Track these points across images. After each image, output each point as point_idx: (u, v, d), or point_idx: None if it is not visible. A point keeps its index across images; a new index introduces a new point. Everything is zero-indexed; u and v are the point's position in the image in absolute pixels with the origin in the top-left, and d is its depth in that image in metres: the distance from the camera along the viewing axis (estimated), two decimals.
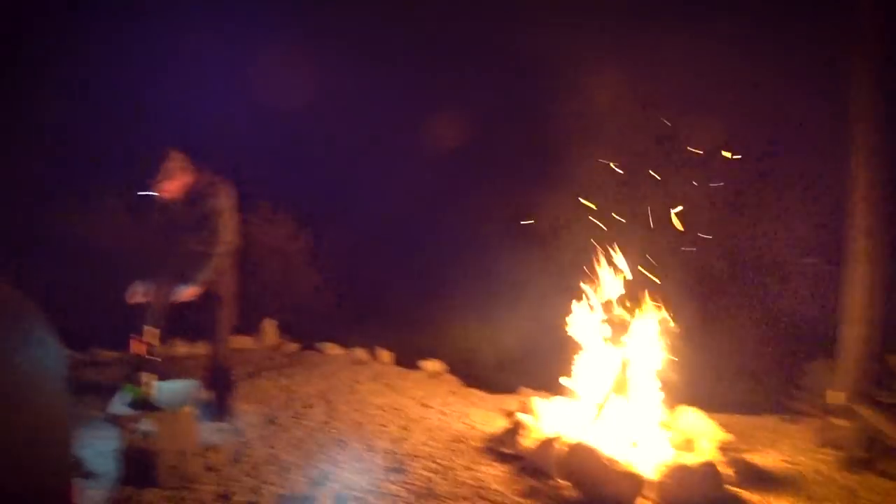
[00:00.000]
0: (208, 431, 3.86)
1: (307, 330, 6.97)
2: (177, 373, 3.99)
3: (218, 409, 4.11)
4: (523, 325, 7.00)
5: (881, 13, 3.96)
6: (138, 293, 3.71)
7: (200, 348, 5.87)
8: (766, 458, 3.94)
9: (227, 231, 3.91)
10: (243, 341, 6.25)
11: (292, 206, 8.58)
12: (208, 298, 3.94)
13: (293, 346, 6.33)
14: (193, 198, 3.84)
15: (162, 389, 3.22)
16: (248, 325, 6.56)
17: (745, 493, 3.42)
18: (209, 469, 3.36)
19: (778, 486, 3.55)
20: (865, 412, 4.01)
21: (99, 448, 3.39)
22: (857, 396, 4.18)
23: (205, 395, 3.96)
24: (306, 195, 8.93)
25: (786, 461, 3.91)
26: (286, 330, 6.86)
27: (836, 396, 4.43)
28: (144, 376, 3.08)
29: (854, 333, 4.20)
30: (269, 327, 6.53)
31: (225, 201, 3.89)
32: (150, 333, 3.26)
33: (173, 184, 3.80)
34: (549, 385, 5.72)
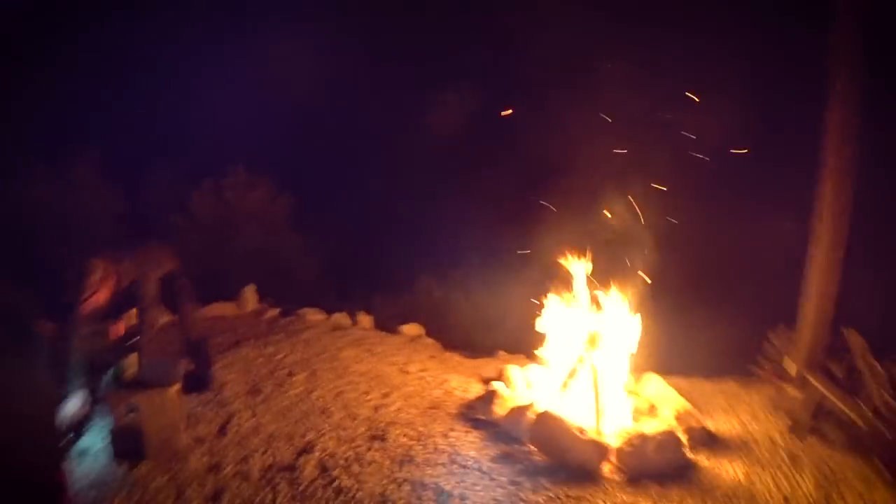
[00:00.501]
0: (195, 403, 4.00)
1: (288, 295, 7.06)
2: (160, 347, 4.06)
3: (200, 380, 4.23)
4: (502, 289, 7.20)
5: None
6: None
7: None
8: (722, 424, 4.23)
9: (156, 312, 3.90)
10: (225, 308, 6.32)
11: (270, 169, 8.51)
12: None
13: (274, 313, 6.42)
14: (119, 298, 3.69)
15: (145, 367, 3.31)
16: (229, 292, 6.63)
17: (699, 458, 3.71)
18: (198, 441, 3.51)
19: (730, 450, 3.84)
20: (816, 381, 4.29)
21: (90, 427, 3.50)
22: (811, 366, 4.46)
23: (186, 367, 4.06)
24: (285, 159, 8.87)
25: (739, 426, 4.20)
26: (267, 294, 6.93)
27: (791, 365, 4.73)
28: (127, 357, 3.16)
29: (811, 308, 4.43)
30: (250, 293, 6.59)
31: (153, 288, 3.83)
32: (129, 316, 3.31)
33: (99, 296, 3.57)
34: (527, 347, 5.98)
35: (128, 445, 3.07)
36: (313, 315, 6.44)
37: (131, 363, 3.15)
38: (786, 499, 3.31)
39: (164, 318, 4.86)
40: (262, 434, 3.72)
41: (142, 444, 3.11)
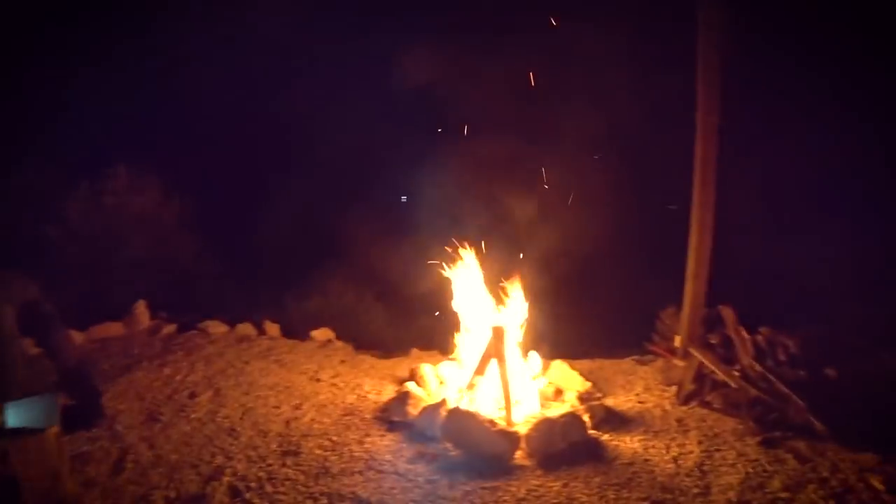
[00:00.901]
0: (81, 442, 3.66)
1: (186, 308, 6.62)
2: (31, 383, 3.64)
3: (85, 414, 3.87)
4: (415, 282, 7.24)
5: None
6: None
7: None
8: (621, 400, 4.60)
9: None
10: (112, 328, 5.80)
11: (158, 168, 7.87)
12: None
13: (170, 329, 5.99)
14: None
15: (16, 411, 2.96)
16: (117, 309, 6.09)
17: (601, 435, 4.00)
18: (88, 485, 3.22)
19: (628, 424, 4.19)
20: (697, 352, 4.78)
21: None
22: (692, 339, 4.96)
23: (66, 402, 3.70)
24: (175, 157, 8.25)
25: (636, 401, 4.59)
26: (162, 309, 6.46)
27: (679, 340, 5.22)
28: None
29: (692, 288, 4.92)
30: (141, 309, 6.10)
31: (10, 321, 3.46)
32: None
33: None
34: (440, 343, 6.09)
35: (4, 501, 2.75)
36: (215, 328, 6.10)
37: None
38: (675, 459, 3.67)
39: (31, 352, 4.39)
40: (163, 466, 3.48)
41: (18, 500, 2.79)
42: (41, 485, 2.81)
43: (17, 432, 2.84)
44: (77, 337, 5.51)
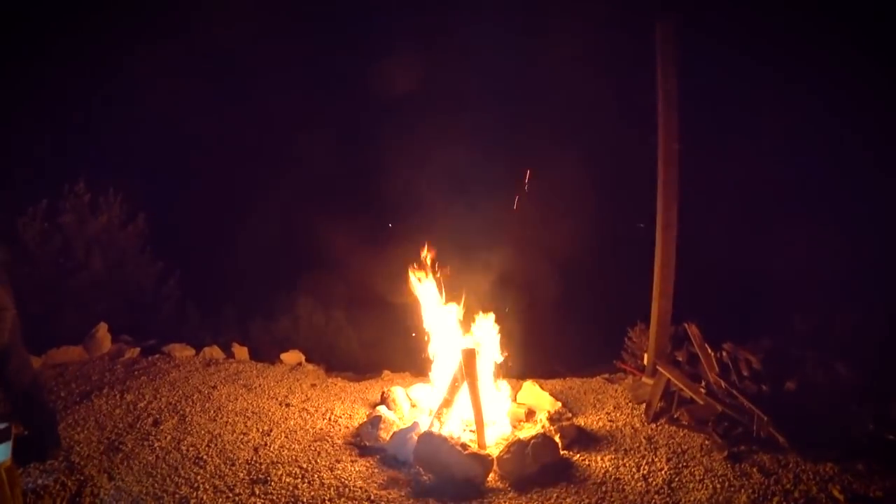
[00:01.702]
0: (35, 475, 3.49)
1: (150, 331, 6.42)
2: None
3: (41, 445, 3.69)
4: (382, 306, 7.19)
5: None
6: None
7: None
8: (591, 420, 4.64)
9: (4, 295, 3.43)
10: (71, 353, 5.58)
11: (119, 188, 7.67)
12: None
13: (133, 353, 5.80)
14: None
15: None
16: (75, 333, 5.87)
17: (573, 455, 4.03)
18: None
19: (598, 443, 4.23)
20: (664, 369, 4.87)
21: None
22: (659, 357, 5.05)
23: (20, 431, 3.52)
24: (137, 175, 8.07)
25: (606, 419, 4.63)
26: (124, 333, 6.25)
27: (647, 358, 5.31)
28: None
29: (658, 306, 5.02)
30: (102, 333, 5.89)
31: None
32: None
33: None
34: (412, 364, 6.05)
35: None
36: (181, 351, 5.93)
37: None
38: (644, 477, 3.72)
39: None
40: (124, 500, 3.35)
41: None
42: None
43: None
44: (34, 361, 5.28)
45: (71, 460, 3.73)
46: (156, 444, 4.01)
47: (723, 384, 4.54)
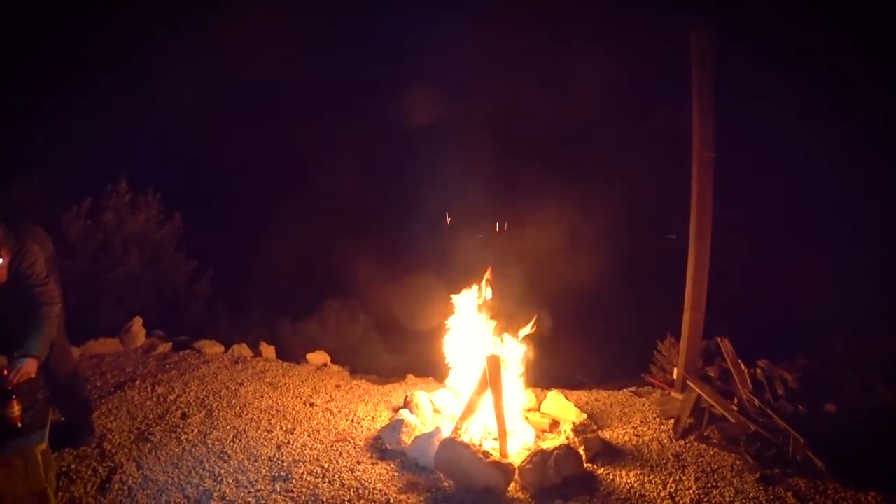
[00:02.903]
0: (69, 460, 3.60)
1: (181, 327, 6.59)
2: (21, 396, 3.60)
3: (75, 431, 3.80)
4: (409, 308, 7.23)
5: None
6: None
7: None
8: (617, 433, 4.53)
9: (56, 288, 3.45)
10: (107, 345, 5.77)
11: (158, 189, 7.94)
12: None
13: (165, 347, 5.95)
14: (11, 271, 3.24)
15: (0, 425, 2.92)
16: (111, 326, 6.06)
17: (596, 469, 3.93)
18: None
19: (624, 457, 4.12)
20: (695, 385, 4.74)
21: None
22: (689, 371, 4.92)
23: (56, 418, 3.64)
24: (173, 177, 8.33)
25: (633, 434, 4.52)
26: (157, 328, 6.43)
27: (677, 372, 5.17)
28: None
29: (689, 319, 4.89)
30: (138, 327, 6.07)
31: (43, 260, 3.39)
32: None
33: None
34: (436, 370, 6.03)
35: None
36: (210, 348, 6.06)
37: None
38: (671, 496, 3.60)
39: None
40: (150, 488, 3.42)
41: None
42: (25, 502, 2.76)
43: (3, 448, 2.80)
44: (73, 352, 5.47)
45: (103, 447, 3.83)
46: (183, 437, 4.09)
47: (756, 402, 4.38)
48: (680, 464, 4.01)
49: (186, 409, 4.54)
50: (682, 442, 4.34)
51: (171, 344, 6.04)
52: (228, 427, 4.31)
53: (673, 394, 4.99)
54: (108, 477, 3.49)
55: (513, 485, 3.67)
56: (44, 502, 2.87)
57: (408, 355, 7.12)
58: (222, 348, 6.11)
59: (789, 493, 3.55)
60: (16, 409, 2.95)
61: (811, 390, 4.44)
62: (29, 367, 3.10)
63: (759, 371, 4.70)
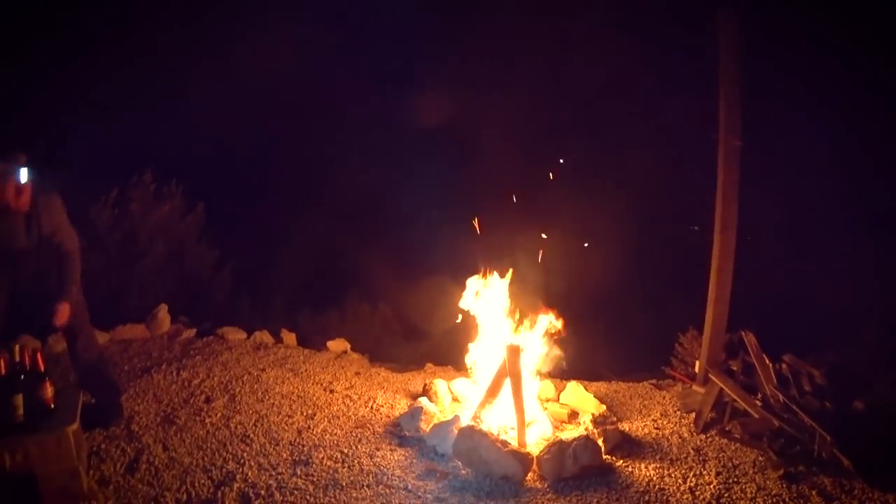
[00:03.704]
0: (99, 440, 3.71)
1: (205, 314, 6.71)
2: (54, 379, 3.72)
3: (104, 412, 3.92)
4: (431, 298, 7.24)
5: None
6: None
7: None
8: (636, 425, 4.49)
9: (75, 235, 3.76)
10: (134, 330, 5.91)
11: (181, 180, 8.08)
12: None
13: (189, 333, 6.07)
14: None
15: (35, 405, 3.02)
16: (137, 313, 6.21)
17: (614, 460, 3.91)
18: (103, 483, 3.26)
19: (643, 450, 4.09)
20: (717, 378, 4.66)
21: None
22: (712, 365, 4.84)
23: (87, 399, 3.75)
24: (196, 169, 8.46)
25: (652, 426, 4.48)
26: (182, 314, 6.56)
27: (699, 365, 5.10)
28: (14, 397, 2.88)
29: (713, 312, 4.81)
30: (163, 313, 6.20)
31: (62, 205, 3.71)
32: (20, 347, 3.02)
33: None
34: (455, 359, 6.06)
35: (18, 496, 2.80)
36: (233, 334, 6.17)
37: (17, 404, 2.87)
38: (691, 490, 3.56)
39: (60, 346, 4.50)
40: (176, 469, 3.52)
41: (36, 493, 2.84)
42: (58, 481, 2.87)
43: (37, 428, 2.90)
44: (101, 337, 5.63)
45: (131, 429, 3.95)
46: (207, 420, 4.18)
47: (781, 398, 4.30)
48: (700, 458, 3.97)
49: (210, 394, 4.64)
50: (703, 436, 4.29)
51: (195, 330, 6.16)
52: (250, 411, 4.39)
53: (694, 387, 4.93)
54: (136, 457, 3.59)
55: (531, 474, 3.67)
56: (76, 480, 2.96)
57: (427, 344, 7.15)
58: (244, 335, 6.21)
59: (814, 492, 3.49)
60: (49, 390, 3.06)
61: (839, 387, 4.34)
62: (63, 309, 3.50)
63: (784, 366, 4.61)
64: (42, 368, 3.05)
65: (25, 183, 3.34)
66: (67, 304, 3.53)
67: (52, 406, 3.06)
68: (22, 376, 2.94)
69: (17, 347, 2.99)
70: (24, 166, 3.31)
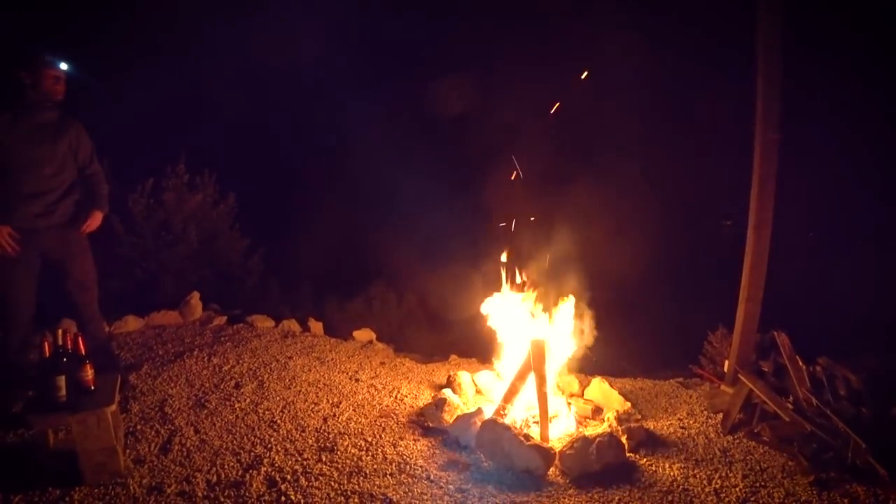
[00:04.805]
0: (135, 420, 3.86)
1: (235, 301, 6.88)
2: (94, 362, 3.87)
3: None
4: (458, 288, 7.26)
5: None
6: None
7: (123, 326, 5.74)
8: (661, 424, 4.44)
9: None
10: (168, 317, 6.10)
11: (213, 170, 8.27)
12: (69, 277, 4.06)
13: (221, 320, 6.24)
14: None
15: (76, 387, 3.15)
16: (170, 299, 6.40)
17: (638, 458, 3.88)
18: (138, 462, 3.39)
19: (668, 449, 4.04)
20: (747, 379, 4.56)
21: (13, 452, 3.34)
22: (742, 365, 4.74)
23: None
24: (228, 159, 8.65)
25: (678, 426, 4.42)
26: (213, 302, 6.74)
27: (728, 365, 5.00)
28: (57, 378, 3.01)
29: (744, 310, 4.69)
30: (195, 300, 6.38)
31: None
32: (63, 331, 3.15)
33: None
34: (480, 351, 6.08)
35: (61, 471, 2.94)
36: (262, 322, 6.31)
37: (60, 384, 3.00)
38: (716, 492, 3.51)
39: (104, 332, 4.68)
40: (206, 451, 3.63)
41: (77, 469, 2.98)
42: (98, 458, 3.00)
43: (78, 407, 3.03)
44: (137, 322, 5.85)
45: (164, 411, 4.09)
46: (236, 405, 4.30)
47: (814, 402, 4.17)
48: (727, 460, 3.90)
49: (240, 380, 4.77)
50: (730, 437, 4.21)
51: (225, 317, 6.33)
52: (278, 398, 4.50)
53: (723, 387, 4.83)
54: (169, 438, 3.73)
55: (553, 469, 3.67)
56: (113, 458, 3.10)
57: (451, 335, 7.19)
58: (273, 323, 6.35)
59: (846, 500, 3.38)
60: (89, 372, 3.19)
61: (878, 393, 4.19)
62: (95, 217, 4.03)
63: (818, 369, 4.47)
64: (83, 352, 3.18)
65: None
66: (100, 213, 3.99)
67: (93, 387, 3.19)
68: (64, 359, 3.06)
69: (59, 332, 3.12)
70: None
